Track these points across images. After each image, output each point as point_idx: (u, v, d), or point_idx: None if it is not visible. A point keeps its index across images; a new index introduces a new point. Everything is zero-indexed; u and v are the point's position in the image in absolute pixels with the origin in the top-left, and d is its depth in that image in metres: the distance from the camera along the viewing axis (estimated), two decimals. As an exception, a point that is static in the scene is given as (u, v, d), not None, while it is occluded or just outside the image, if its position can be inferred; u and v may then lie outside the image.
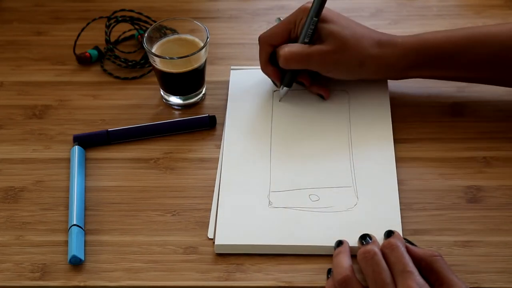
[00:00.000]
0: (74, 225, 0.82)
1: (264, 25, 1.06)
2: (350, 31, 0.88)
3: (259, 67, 0.98)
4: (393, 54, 0.88)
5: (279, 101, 0.94)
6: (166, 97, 0.96)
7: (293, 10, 1.07)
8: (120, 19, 1.02)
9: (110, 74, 1.00)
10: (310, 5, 0.89)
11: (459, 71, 0.89)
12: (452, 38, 0.88)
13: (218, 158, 0.89)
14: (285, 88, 0.92)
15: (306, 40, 0.89)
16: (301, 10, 0.89)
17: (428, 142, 0.90)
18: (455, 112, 0.93)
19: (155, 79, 0.96)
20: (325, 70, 0.90)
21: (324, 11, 0.89)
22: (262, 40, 0.91)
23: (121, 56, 1.02)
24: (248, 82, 0.97)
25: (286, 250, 0.80)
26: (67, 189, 0.86)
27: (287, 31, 0.91)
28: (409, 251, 0.74)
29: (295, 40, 0.90)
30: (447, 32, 0.89)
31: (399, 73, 0.90)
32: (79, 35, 1.02)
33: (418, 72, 0.90)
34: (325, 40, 0.88)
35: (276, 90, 0.95)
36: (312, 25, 0.88)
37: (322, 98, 0.93)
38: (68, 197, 0.85)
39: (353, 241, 0.79)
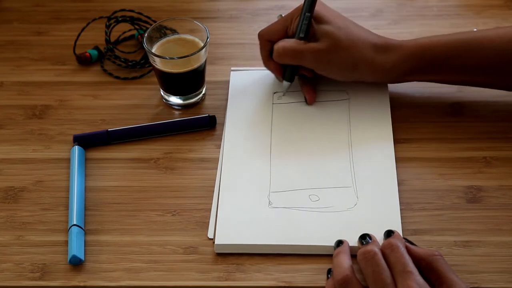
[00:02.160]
0: (74, 225, 0.82)
1: (264, 25, 1.05)
2: (345, 32, 0.88)
3: (259, 67, 0.98)
4: (389, 59, 0.88)
5: (283, 95, 0.94)
6: (166, 97, 0.96)
7: (293, 10, 1.08)
8: (120, 19, 1.02)
9: (110, 74, 1.00)
10: None
11: (455, 76, 0.89)
12: (448, 42, 0.88)
13: (218, 158, 0.89)
14: (287, 82, 0.93)
15: (301, 35, 0.89)
16: (298, 8, 0.90)
17: (428, 142, 0.90)
18: (455, 112, 0.93)
19: (155, 79, 0.96)
20: (319, 68, 0.90)
21: (323, 11, 0.90)
22: (260, 36, 0.93)
23: (121, 56, 1.02)
24: (248, 82, 0.97)
25: (286, 250, 0.80)
26: (67, 189, 0.86)
27: (283, 28, 0.91)
28: (409, 251, 0.75)
29: (292, 37, 0.91)
30: (443, 36, 0.89)
31: (395, 78, 0.90)
32: (79, 35, 1.02)
33: (414, 76, 0.90)
34: (320, 39, 0.88)
35: (276, 92, 0.95)
36: (306, 20, 0.89)
37: (305, 101, 0.93)
38: (68, 197, 0.85)
39: (353, 241, 0.79)
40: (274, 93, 0.95)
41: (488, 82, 0.90)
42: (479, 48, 0.87)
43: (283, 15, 0.93)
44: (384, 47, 0.88)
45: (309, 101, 0.93)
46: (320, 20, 0.89)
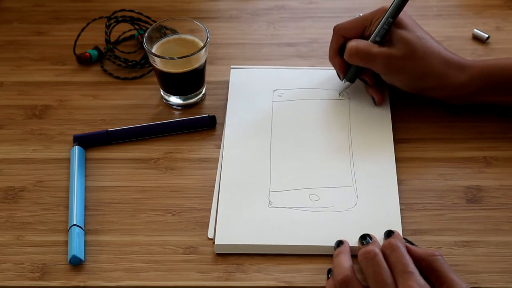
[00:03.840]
0: (74, 225, 0.82)
1: (264, 25, 1.06)
2: (422, 43, 0.87)
3: (259, 66, 0.98)
4: (459, 78, 0.87)
5: (339, 94, 0.93)
6: (166, 97, 0.96)
7: (293, 10, 1.08)
8: (120, 19, 1.02)
9: (110, 74, 1.00)
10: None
11: None
12: None
13: (218, 158, 0.89)
14: (346, 82, 0.92)
15: (377, 39, 0.88)
16: (380, 10, 0.89)
17: (428, 142, 0.90)
18: (455, 112, 0.92)
19: (155, 79, 0.96)
20: (387, 74, 0.89)
21: (404, 18, 0.88)
22: (336, 30, 0.91)
23: (121, 56, 1.02)
24: (248, 81, 0.97)
25: (286, 250, 0.80)
26: (67, 189, 0.86)
27: (362, 27, 0.90)
28: (409, 251, 0.75)
29: (367, 38, 0.89)
30: None
31: (462, 97, 0.89)
32: (79, 35, 1.02)
33: (482, 97, 0.89)
34: (395, 44, 0.87)
35: (276, 90, 0.95)
36: (387, 25, 0.87)
37: (374, 102, 0.92)
38: (68, 197, 0.85)
39: (353, 241, 0.79)
40: (274, 90, 0.95)
41: None
42: None
43: (361, 15, 0.92)
44: (457, 65, 0.87)
45: (378, 103, 0.92)
46: (399, 25, 0.88)
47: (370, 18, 0.90)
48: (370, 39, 0.89)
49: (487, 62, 0.89)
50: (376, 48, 0.88)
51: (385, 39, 0.88)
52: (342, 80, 0.93)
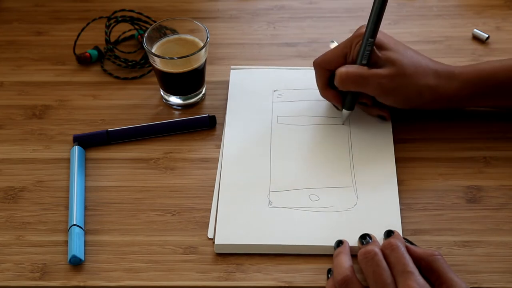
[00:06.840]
0: (74, 225, 0.82)
1: (264, 25, 1.06)
2: (409, 59, 0.86)
3: (259, 66, 0.98)
4: (451, 86, 0.86)
5: (342, 124, 0.91)
6: (166, 97, 0.96)
7: (293, 10, 1.08)
8: (120, 19, 1.02)
9: (110, 74, 1.00)
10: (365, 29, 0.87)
11: None
12: (509, 67, 0.86)
13: (218, 158, 0.89)
14: (347, 111, 0.90)
15: (364, 62, 0.86)
16: (357, 35, 0.87)
17: (428, 142, 0.90)
18: (455, 112, 0.92)
19: (155, 79, 0.96)
20: (382, 95, 0.87)
21: (382, 39, 0.87)
22: (318, 65, 0.89)
23: (121, 56, 1.02)
24: (248, 82, 0.97)
25: (286, 250, 0.80)
26: (67, 189, 0.86)
27: (343, 55, 0.88)
28: (409, 251, 0.75)
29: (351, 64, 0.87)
30: (503, 61, 0.87)
31: (457, 104, 0.88)
32: (79, 35, 1.02)
33: (475, 102, 0.88)
34: (383, 66, 0.85)
35: (276, 90, 0.95)
36: (369, 46, 0.85)
37: (384, 119, 0.91)
38: (68, 197, 0.85)
39: (353, 241, 0.79)
40: (274, 91, 0.95)
41: None
42: None
43: (335, 41, 0.90)
44: (446, 74, 0.86)
45: (388, 118, 0.90)
46: (381, 47, 0.86)
47: (349, 44, 0.88)
48: (357, 63, 0.87)
49: (477, 67, 0.87)
50: (367, 71, 0.86)
51: (371, 62, 0.86)
52: (341, 111, 0.91)
